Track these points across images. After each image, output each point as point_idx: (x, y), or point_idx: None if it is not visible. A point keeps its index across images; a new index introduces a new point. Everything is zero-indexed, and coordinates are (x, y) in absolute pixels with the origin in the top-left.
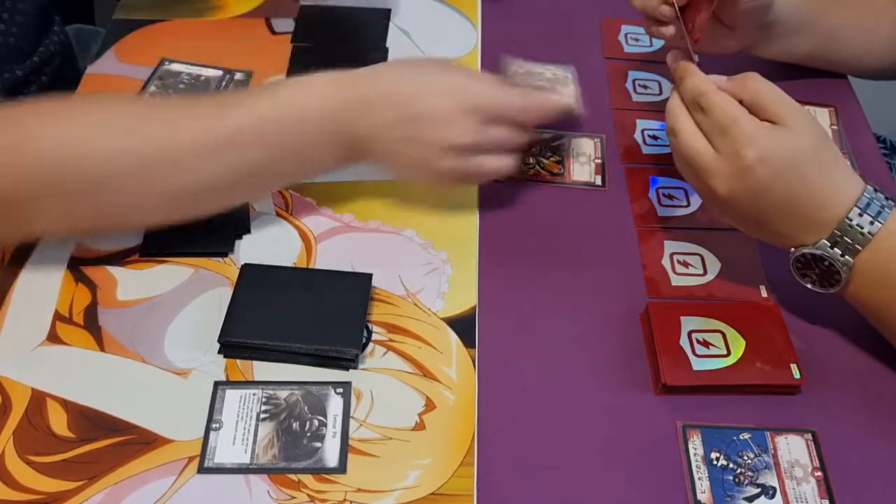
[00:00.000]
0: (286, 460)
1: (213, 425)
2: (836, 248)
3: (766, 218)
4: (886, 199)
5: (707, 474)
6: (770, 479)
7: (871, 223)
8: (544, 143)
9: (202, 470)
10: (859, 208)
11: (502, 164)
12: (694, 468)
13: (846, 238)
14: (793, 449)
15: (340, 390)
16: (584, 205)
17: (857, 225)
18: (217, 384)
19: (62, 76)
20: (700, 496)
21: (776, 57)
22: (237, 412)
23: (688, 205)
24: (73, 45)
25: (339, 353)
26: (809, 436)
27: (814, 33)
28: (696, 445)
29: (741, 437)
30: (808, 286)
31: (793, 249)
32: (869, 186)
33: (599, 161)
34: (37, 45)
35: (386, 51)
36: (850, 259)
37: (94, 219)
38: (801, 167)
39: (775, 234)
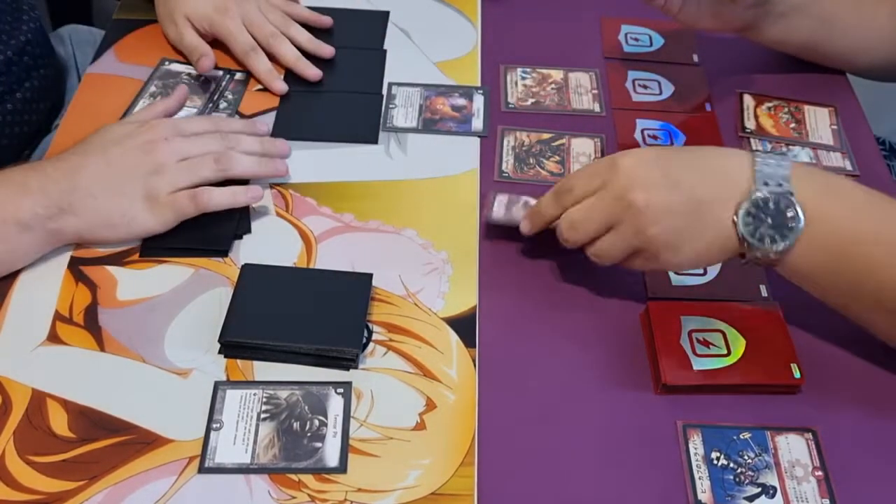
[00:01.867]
0: (287, 460)
1: (214, 425)
2: (769, 185)
3: (691, 186)
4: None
5: (707, 474)
6: (770, 479)
7: (779, 165)
8: (544, 143)
9: (203, 470)
10: (761, 151)
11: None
12: (694, 468)
13: (770, 178)
14: (793, 448)
15: (341, 390)
16: None
17: (774, 162)
18: (217, 384)
19: (38, 65)
20: (700, 496)
21: (774, 43)
22: (237, 412)
23: None
24: (48, 32)
25: (340, 352)
26: (810, 435)
27: (812, 16)
28: (696, 445)
29: (741, 436)
30: (768, 247)
31: (738, 213)
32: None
33: None
34: (7, 34)
35: (384, 52)
36: (789, 186)
37: None
38: (674, 149)
39: (712, 204)
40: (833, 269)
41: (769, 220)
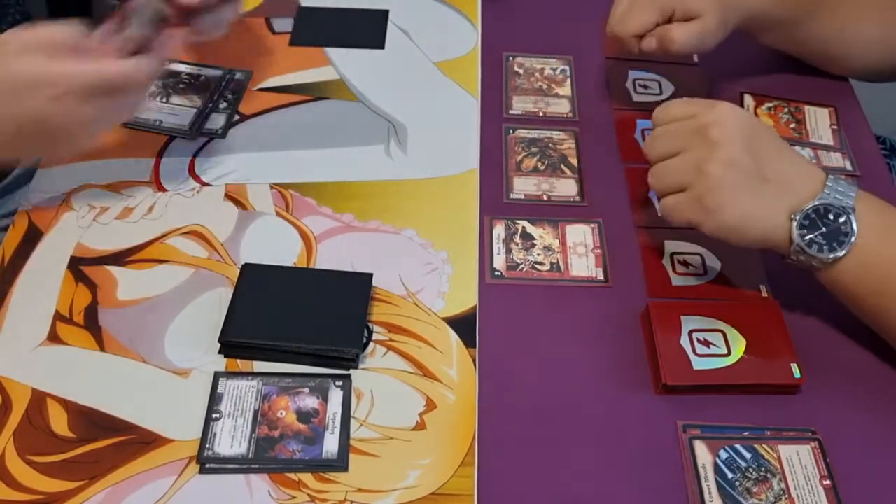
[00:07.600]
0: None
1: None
2: (834, 193)
3: (766, 160)
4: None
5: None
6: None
7: (848, 186)
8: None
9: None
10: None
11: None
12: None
13: (837, 187)
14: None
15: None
16: None
17: (844, 183)
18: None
19: None
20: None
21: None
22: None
23: None
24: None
25: (340, 353)
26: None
27: (785, 36)
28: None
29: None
30: (814, 254)
31: (798, 214)
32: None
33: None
34: None
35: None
36: (850, 201)
37: None
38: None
39: (780, 183)
40: (867, 297)
41: (823, 229)
